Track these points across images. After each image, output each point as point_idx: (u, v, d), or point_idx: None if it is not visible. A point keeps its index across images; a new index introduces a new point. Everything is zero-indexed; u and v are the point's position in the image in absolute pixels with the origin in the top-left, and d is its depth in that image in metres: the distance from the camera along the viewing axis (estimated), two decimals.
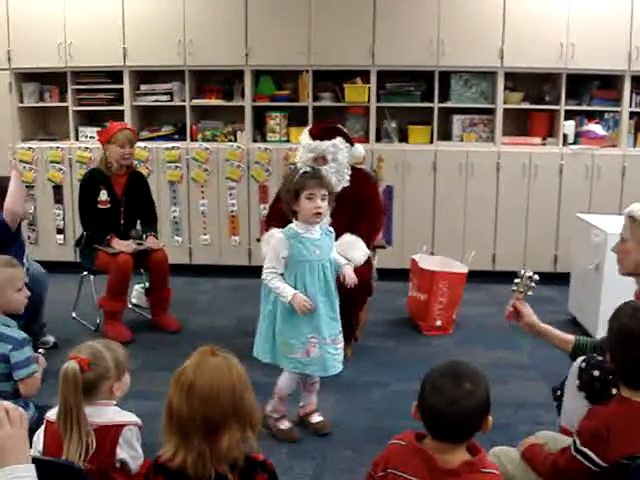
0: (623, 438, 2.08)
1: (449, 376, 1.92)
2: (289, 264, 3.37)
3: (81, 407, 2.17)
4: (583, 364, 2.58)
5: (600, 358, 2.57)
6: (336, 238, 3.78)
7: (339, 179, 4.31)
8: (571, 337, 2.87)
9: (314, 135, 4.38)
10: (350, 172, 4.40)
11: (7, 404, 1.58)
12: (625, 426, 2.10)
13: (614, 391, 2.32)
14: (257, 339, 3.56)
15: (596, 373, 2.54)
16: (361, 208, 4.39)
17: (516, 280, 2.96)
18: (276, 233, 3.44)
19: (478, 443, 1.95)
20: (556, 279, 5.80)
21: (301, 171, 3.44)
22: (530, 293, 2.99)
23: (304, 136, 4.44)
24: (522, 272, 2.96)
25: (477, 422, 1.91)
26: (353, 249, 4.09)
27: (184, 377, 1.88)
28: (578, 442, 2.15)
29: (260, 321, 3.57)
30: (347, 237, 4.13)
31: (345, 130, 4.69)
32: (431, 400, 1.90)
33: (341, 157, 4.35)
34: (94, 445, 2.16)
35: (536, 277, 2.94)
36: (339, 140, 4.37)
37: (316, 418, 3.60)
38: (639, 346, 2.14)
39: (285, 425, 3.52)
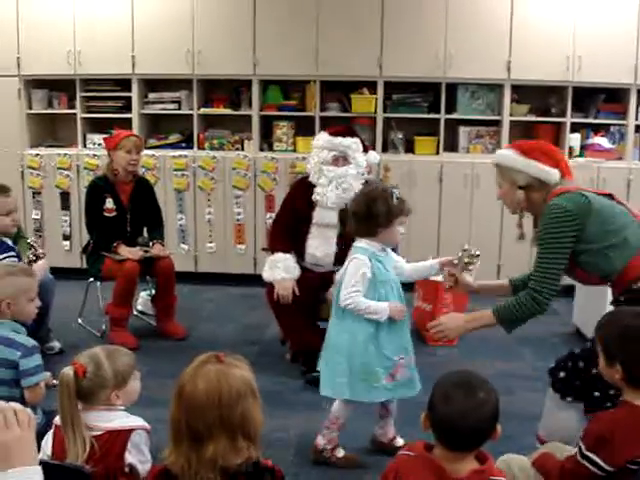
0: (628, 442, 2.10)
1: (461, 386, 1.92)
2: (370, 286, 3.17)
3: (76, 412, 2.18)
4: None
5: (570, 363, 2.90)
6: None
7: (359, 182, 4.24)
8: (505, 280, 3.21)
9: (333, 133, 4.29)
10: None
11: (16, 405, 1.59)
12: (629, 429, 2.11)
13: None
14: (327, 376, 3.25)
15: (562, 374, 2.92)
16: None
17: (459, 254, 3.25)
18: (360, 256, 3.18)
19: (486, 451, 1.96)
20: (561, 292, 5.79)
21: (395, 195, 3.18)
22: (471, 268, 3.23)
23: (320, 137, 4.34)
24: (465, 246, 3.27)
25: (489, 431, 1.92)
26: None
27: (179, 382, 1.89)
28: (583, 447, 2.16)
29: (328, 355, 3.27)
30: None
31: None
32: (444, 411, 1.90)
33: (360, 159, 4.28)
34: (86, 449, 2.15)
35: (477, 252, 3.22)
36: (356, 140, 4.32)
37: (400, 441, 3.39)
38: None
39: (341, 453, 3.32)
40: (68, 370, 2.22)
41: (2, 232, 4.16)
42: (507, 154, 3.06)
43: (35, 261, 4.30)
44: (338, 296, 3.21)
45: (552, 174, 2.95)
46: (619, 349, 2.21)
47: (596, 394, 2.76)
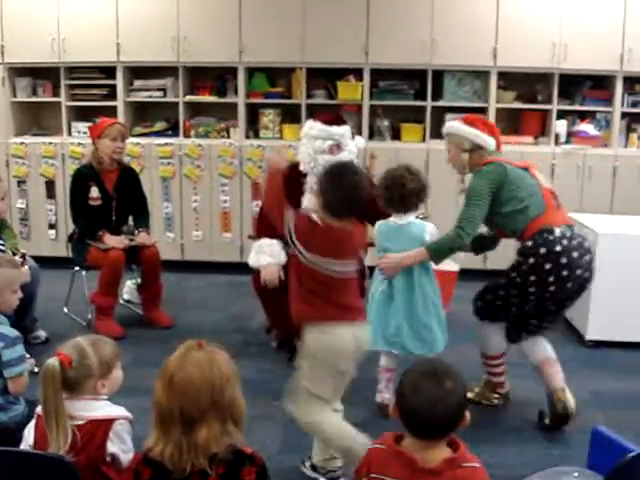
0: None
1: (429, 376, 1.94)
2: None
3: (60, 403, 2.17)
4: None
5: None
6: None
7: None
8: (422, 248, 3.54)
9: (326, 121, 4.24)
10: None
11: None
12: None
13: None
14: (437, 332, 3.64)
15: (479, 304, 3.80)
16: (368, 207, 4.37)
17: None
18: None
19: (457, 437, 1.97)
20: None
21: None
22: None
23: (309, 125, 4.29)
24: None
25: (458, 419, 1.93)
26: None
27: (167, 368, 1.93)
28: None
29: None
30: None
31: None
32: (413, 401, 1.91)
33: (351, 145, 4.28)
34: (68, 440, 2.15)
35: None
36: (348, 127, 4.31)
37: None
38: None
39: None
40: (53, 361, 2.20)
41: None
42: (456, 124, 3.74)
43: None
44: None
45: (489, 141, 3.65)
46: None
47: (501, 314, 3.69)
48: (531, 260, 3.39)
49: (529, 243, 3.43)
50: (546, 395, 3.63)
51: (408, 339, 3.58)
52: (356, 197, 2.80)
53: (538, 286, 3.42)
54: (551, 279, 3.38)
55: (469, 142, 3.65)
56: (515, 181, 3.53)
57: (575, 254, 3.39)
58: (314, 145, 4.22)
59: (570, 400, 3.54)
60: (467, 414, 1.95)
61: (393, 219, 3.65)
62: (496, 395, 3.86)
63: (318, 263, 2.78)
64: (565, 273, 3.36)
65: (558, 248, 3.35)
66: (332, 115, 4.52)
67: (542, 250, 3.37)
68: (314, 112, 5.99)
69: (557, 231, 3.40)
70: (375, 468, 1.97)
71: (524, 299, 3.52)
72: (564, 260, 3.36)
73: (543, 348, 3.67)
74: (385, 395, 3.75)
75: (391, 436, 2.00)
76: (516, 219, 3.50)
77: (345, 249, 2.82)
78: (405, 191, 3.58)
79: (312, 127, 4.28)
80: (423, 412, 1.89)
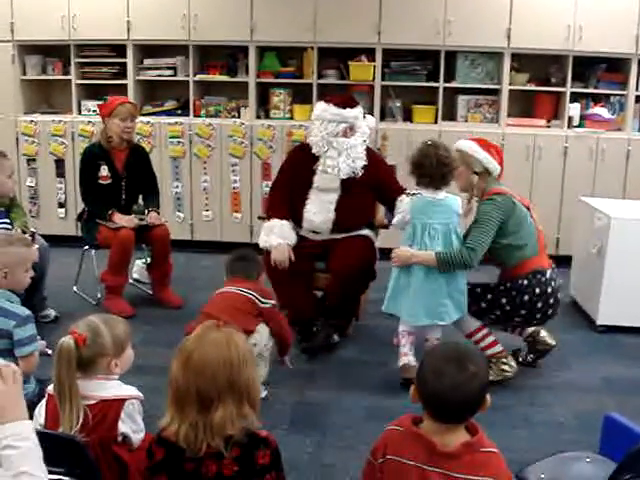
0: None
1: (452, 360, 1.91)
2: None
3: (74, 382, 2.16)
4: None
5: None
6: (345, 223, 4.28)
7: (363, 149, 4.31)
8: (432, 253, 3.69)
9: (339, 104, 4.24)
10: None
11: None
12: None
13: None
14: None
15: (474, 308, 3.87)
16: (383, 186, 4.38)
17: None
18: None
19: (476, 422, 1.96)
20: (558, 261, 5.77)
21: None
22: None
23: (322, 107, 4.28)
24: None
25: (480, 403, 1.92)
26: None
27: (185, 348, 1.92)
28: None
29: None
30: None
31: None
32: (435, 385, 1.89)
33: (364, 127, 4.31)
34: (80, 420, 2.14)
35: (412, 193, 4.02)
36: (360, 109, 4.33)
37: None
38: None
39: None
40: (68, 340, 2.19)
41: (4, 195, 4.29)
42: (470, 144, 3.88)
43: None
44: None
45: (497, 168, 3.88)
46: None
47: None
48: (526, 298, 3.76)
49: (524, 282, 3.77)
50: (524, 340, 4.11)
51: (450, 307, 3.76)
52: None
53: (525, 317, 3.85)
54: (539, 315, 3.83)
55: (480, 165, 3.85)
56: (520, 217, 3.81)
57: (559, 295, 3.87)
58: (327, 128, 4.21)
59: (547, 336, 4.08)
60: (488, 398, 1.94)
61: (429, 194, 3.76)
62: (504, 367, 3.86)
63: None
64: (551, 311, 3.85)
65: (549, 290, 3.79)
66: (344, 97, 4.49)
67: (537, 290, 3.76)
68: (325, 92, 5.96)
69: (548, 273, 3.83)
70: (391, 450, 1.96)
71: (509, 318, 3.89)
72: (552, 300, 3.81)
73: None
74: (410, 357, 3.83)
75: (409, 418, 1.98)
76: (511, 253, 3.80)
77: None
78: (447, 169, 3.75)
79: (325, 110, 4.25)
80: (445, 396, 1.87)
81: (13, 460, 1.55)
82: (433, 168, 3.71)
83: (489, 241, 3.71)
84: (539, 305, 3.77)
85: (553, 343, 4.07)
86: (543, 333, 4.06)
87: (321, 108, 4.29)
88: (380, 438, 2.02)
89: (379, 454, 1.98)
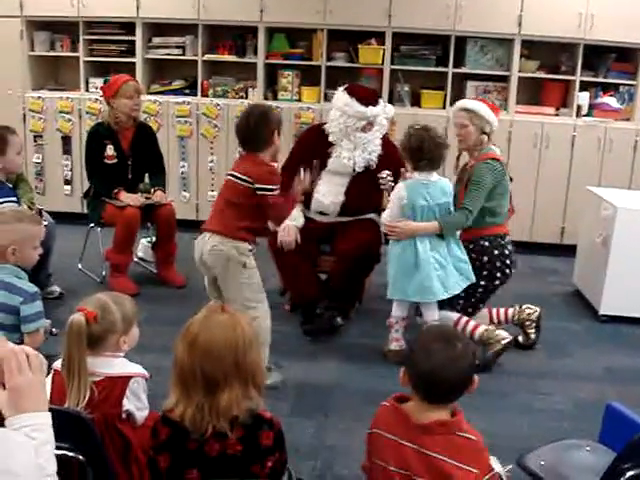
0: None
1: (440, 339, 1.98)
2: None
3: (83, 359, 2.18)
4: None
5: None
6: (354, 207, 4.33)
7: (379, 143, 4.36)
8: (435, 222, 3.81)
9: (363, 100, 4.24)
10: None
11: (28, 349, 1.59)
12: None
13: None
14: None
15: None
16: (395, 174, 4.35)
17: (380, 181, 4.12)
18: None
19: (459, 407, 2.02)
20: (562, 250, 5.81)
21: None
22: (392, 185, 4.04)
23: (344, 99, 4.26)
24: (382, 174, 4.12)
25: (468, 382, 1.97)
26: None
27: (190, 330, 1.92)
28: None
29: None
30: None
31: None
32: (425, 365, 1.94)
33: (383, 120, 4.36)
34: (87, 396, 2.16)
35: (388, 173, 4.11)
36: (382, 103, 4.37)
37: None
38: None
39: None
40: (79, 316, 2.20)
41: (13, 171, 4.33)
42: (480, 105, 4.05)
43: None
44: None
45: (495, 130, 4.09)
46: None
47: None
48: (485, 259, 3.96)
49: (485, 243, 3.99)
50: (517, 325, 4.22)
51: (459, 277, 3.87)
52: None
53: (487, 279, 3.98)
54: (498, 274, 3.99)
55: (490, 127, 4.02)
56: (505, 187, 4.02)
57: (514, 257, 4.07)
58: (347, 122, 4.23)
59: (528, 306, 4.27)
60: (476, 378, 1.99)
61: (423, 177, 3.80)
62: (499, 336, 3.93)
63: None
64: (508, 270, 4.02)
65: (506, 252, 4.01)
66: (368, 92, 4.45)
67: (496, 252, 3.98)
68: (334, 76, 5.94)
69: (506, 238, 4.06)
70: (376, 424, 2.05)
71: (482, 289, 4.00)
72: (508, 261, 4.00)
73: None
74: (402, 342, 3.95)
75: (396, 396, 2.06)
76: (484, 217, 3.96)
77: None
78: (445, 150, 3.84)
79: (347, 104, 4.23)
80: (434, 374, 1.92)
81: None
82: (432, 150, 3.76)
83: (482, 202, 3.90)
84: (498, 264, 3.97)
85: (537, 308, 4.24)
86: (523, 306, 4.24)
87: (343, 101, 4.26)
88: (375, 413, 2.10)
89: (371, 427, 2.07)
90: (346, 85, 4.44)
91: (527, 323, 4.19)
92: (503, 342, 3.89)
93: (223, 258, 3.42)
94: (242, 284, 3.45)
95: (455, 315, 3.97)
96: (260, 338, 3.26)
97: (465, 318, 3.98)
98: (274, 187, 3.35)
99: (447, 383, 1.93)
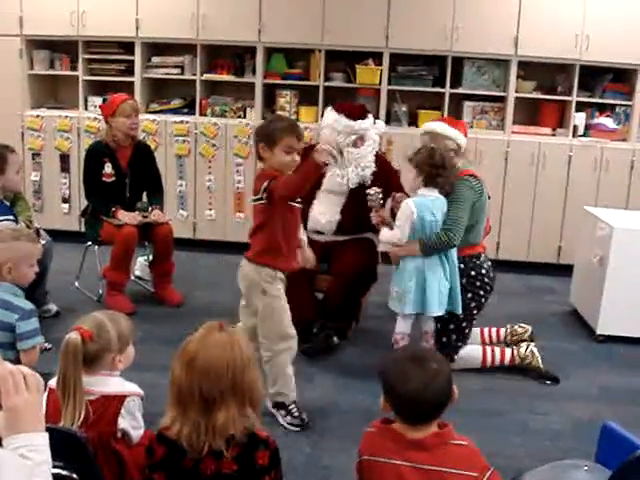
0: None
1: (413, 361, 1.99)
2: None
3: (79, 378, 2.18)
4: None
5: None
6: (350, 226, 4.33)
7: (372, 160, 4.34)
8: (414, 242, 3.80)
9: (351, 115, 4.25)
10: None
11: (25, 369, 1.58)
12: None
13: None
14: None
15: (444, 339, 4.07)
16: (390, 192, 4.34)
17: (368, 198, 4.07)
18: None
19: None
20: (559, 270, 5.81)
21: None
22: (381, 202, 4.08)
23: (332, 117, 4.28)
24: (371, 191, 4.08)
25: (448, 396, 1.99)
26: None
27: (188, 349, 1.92)
28: None
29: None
30: None
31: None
32: (402, 389, 1.95)
33: (374, 135, 4.34)
34: (82, 415, 2.15)
35: (376, 190, 4.08)
36: (371, 118, 4.35)
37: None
38: None
39: None
40: (75, 335, 2.20)
41: (12, 190, 4.34)
42: (441, 124, 4.08)
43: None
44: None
45: (464, 144, 4.06)
46: None
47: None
48: (464, 281, 3.94)
49: (460, 265, 3.93)
50: (510, 345, 4.22)
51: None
52: None
53: (473, 298, 3.98)
54: (482, 292, 4.00)
55: (453, 143, 4.02)
56: (483, 204, 3.98)
57: (492, 273, 4.06)
58: (338, 138, 4.20)
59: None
60: (455, 389, 2.01)
61: (429, 194, 3.82)
62: (523, 348, 4.10)
63: None
64: (489, 288, 4.03)
65: (483, 271, 4.00)
66: (356, 107, 4.48)
67: (472, 272, 3.98)
68: (332, 95, 5.98)
69: (482, 257, 4.04)
70: (366, 451, 2.04)
71: (468, 310, 3.98)
72: (487, 279, 4.01)
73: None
74: None
75: (380, 420, 2.07)
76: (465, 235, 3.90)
77: None
78: (454, 170, 3.88)
79: (337, 121, 4.25)
80: (415, 398, 1.94)
81: None
82: (444, 169, 3.79)
83: (466, 219, 3.85)
84: (477, 284, 3.98)
85: (529, 327, 4.29)
86: (515, 326, 4.29)
87: (332, 118, 4.28)
88: (360, 442, 2.09)
89: (359, 458, 2.05)
90: (334, 103, 4.48)
91: (521, 344, 4.18)
92: (531, 348, 4.06)
93: (246, 280, 3.40)
94: (261, 313, 3.40)
95: (478, 348, 4.10)
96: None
97: (489, 349, 4.10)
98: (266, 184, 3.23)
99: (428, 404, 1.95)
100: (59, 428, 2.04)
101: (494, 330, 4.29)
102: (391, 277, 3.96)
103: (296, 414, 3.43)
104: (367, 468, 2.03)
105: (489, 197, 4.09)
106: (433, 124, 4.12)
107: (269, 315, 3.39)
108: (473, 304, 3.99)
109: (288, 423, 3.41)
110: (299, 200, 3.38)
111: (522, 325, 4.28)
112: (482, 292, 4.00)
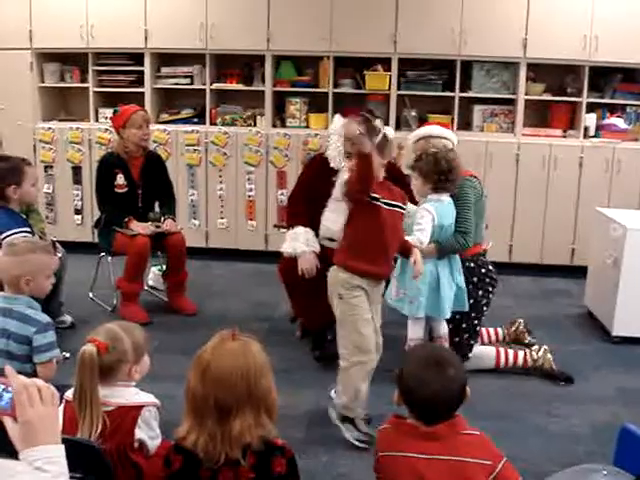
0: None
1: (431, 366, 2.02)
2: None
3: (95, 390, 2.18)
4: None
5: None
6: None
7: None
8: (431, 246, 3.79)
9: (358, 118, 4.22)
10: None
11: (39, 382, 1.58)
12: None
13: None
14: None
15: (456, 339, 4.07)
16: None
17: None
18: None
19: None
20: (573, 272, 5.79)
21: None
22: None
23: (340, 123, 4.24)
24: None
25: (462, 398, 2.03)
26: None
27: (202, 358, 1.92)
28: None
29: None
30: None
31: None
32: (419, 393, 2.00)
33: None
34: (99, 427, 2.16)
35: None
36: (379, 121, 4.32)
37: None
38: None
39: None
40: (90, 347, 2.21)
41: (28, 203, 4.37)
42: (434, 126, 4.25)
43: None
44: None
45: (455, 141, 4.20)
46: None
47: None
48: (475, 279, 4.00)
49: (471, 264, 4.01)
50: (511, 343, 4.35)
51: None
52: None
53: (484, 295, 4.04)
54: (490, 289, 4.07)
55: (449, 142, 4.12)
56: (482, 204, 4.07)
57: (494, 271, 4.13)
58: (346, 145, 4.19)
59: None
60: (468, 390, 2.05)
61: (442, 198, 3.83)
62: (535, 350, 4.14)
63: None
64: (495, 283, 4.10)
65: (490, 267, 4.09)
66: (363, 114, 4.46)
67: (482, 270, 4.04)
68: (341, 102, 5.99)
69: (485, 255, 4.14)
70: (381, 448, 2.08)
71: (480, 307, 4.05)
72: (494, 275, 4.09)
73: None
74: None
75: (394, 415, 2.12)
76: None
77: None
78: (459, 169, 3.87)
79: (344, 125, 4.23)
80: (431, 402, 1.98)
81: None
82: (454, 173, 3.81)
83: (474, 219, 3.93)
84: (487, 280, 4.05)
85: (520, 319, 4.45)
86: (510, 325, 4.44)
87: (339, 123, 4.28)
88: (376, 443, 2.15)
89: (375, 457, 2.10)
90: (342, 110, 4.48)
91: (521, 335, 4.37)
92: (543, 349, 4.10)
93: (329, 283, 3.37)
94: (338, 319, 3.35)
95: (492, 349, 4.15)
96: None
97: (502, 351, 4.13)
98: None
99: (444, 406, 2.00)
100: (76, 439, 2.05)
101: (492, 330, 4.39)
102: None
103: (364, 430, 3.33)
104: (384, 465, 2.06)
105: (486, 196, 4.19)
106: (426, 128, 4.23)
107: (344, 322, 3.32)
108: (484, 301, 4.05)
109: (355, 439, 3.32)
110: (380, 202, 3.27)
111: (514, 320, 4.45)
112: (490, 288, 4.07)
